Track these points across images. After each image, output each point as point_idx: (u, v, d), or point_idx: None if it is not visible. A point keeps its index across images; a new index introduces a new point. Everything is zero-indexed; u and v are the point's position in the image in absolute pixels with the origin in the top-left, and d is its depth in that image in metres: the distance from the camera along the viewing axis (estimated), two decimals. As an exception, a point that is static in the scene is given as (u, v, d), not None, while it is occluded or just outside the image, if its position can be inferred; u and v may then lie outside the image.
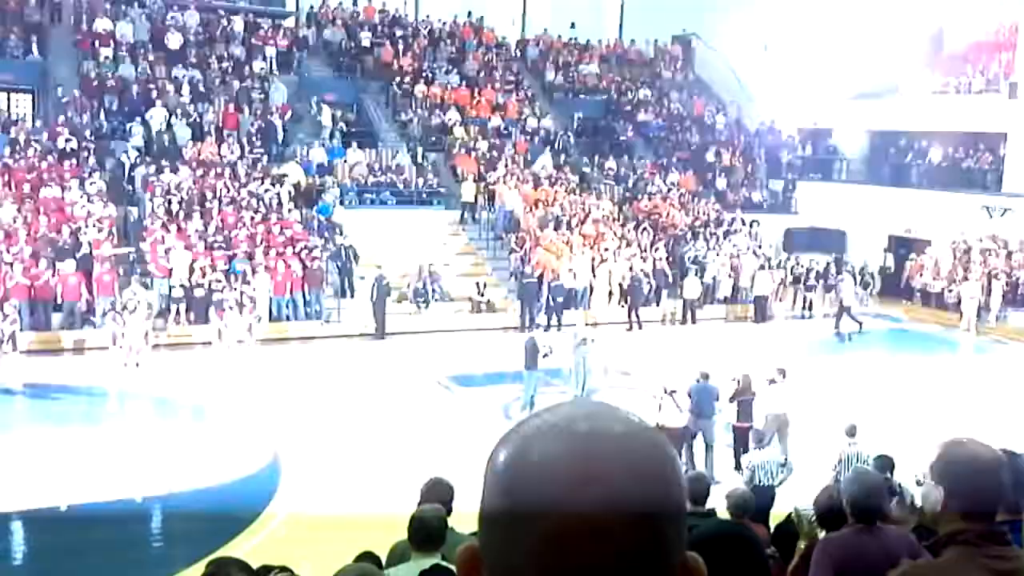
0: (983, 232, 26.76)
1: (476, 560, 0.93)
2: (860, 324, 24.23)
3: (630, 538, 0.85)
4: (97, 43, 27.69)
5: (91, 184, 23.13)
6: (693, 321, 24.41)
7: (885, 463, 8.87)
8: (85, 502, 11.73)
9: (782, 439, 13.40)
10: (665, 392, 13.21)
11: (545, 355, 15.97)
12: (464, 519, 5.28)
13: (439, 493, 5.85)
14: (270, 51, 30.08)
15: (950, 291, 25.89)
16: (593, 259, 24.77)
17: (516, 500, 0.88)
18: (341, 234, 23.78)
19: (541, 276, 23.60)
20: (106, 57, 27.50)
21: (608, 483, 0.86)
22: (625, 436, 0.90)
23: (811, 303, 26.92)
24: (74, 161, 23.84)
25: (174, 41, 28.76)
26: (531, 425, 0.93)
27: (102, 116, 26.18)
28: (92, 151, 24.52)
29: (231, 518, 11.29)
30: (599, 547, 0.84)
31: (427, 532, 4.83)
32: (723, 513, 7.73)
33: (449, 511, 5.81)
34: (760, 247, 27.73)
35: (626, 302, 24.14)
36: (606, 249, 25.29)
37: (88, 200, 22.39)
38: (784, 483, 10.71)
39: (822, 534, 6.34)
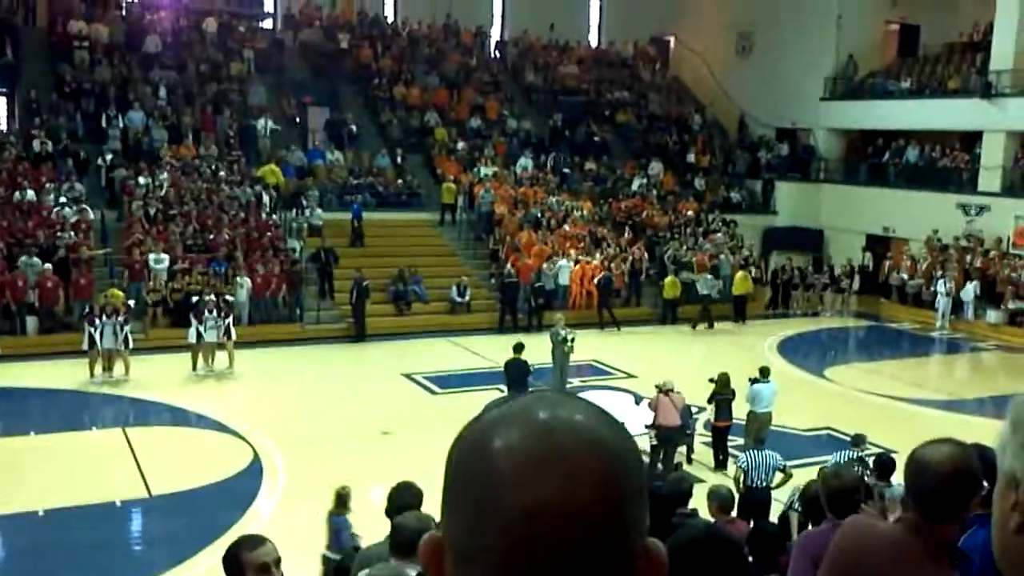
0: (959, 230, 27.00)
1: (439, 549, 0.93)
2: (693, 324, 24.39)
3: (592, 522, 0.86)
4: (73, 44, 27.51)
5: (68, 188, 22.98)
6: (674, 320, 24.49)
7: (887, 463, 8.92)
8: (63, 506, 11.66)
9: (762, 439, 13.48)
10: (660, 391, 13.23)
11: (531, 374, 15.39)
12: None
13: (406, 498, 5.84)
14: (248, 53, 29.98)
15: (928, 289, 26.11)
16: (574, 259, 24.80)
17: (476, 487, 0.89)
18: (321, 235, 23.76)
19: (515, 277, 23.60)
20: (82, 59, 27.33)
21: (569, 467, 0.86)
22: (585, 422, 0.91)
23: (790, 302, 27.19)
24: (50, 164, 23.69)
25: (151, 43, 28.61)
26: (491, 414, 0.94)
27: (78, 119, 26.00)
28: (69, 154, 24.36)
29: (212, 521, 11.24)
30: (561, 531, 0.85)
31: (407, 538, 4.84)
32: (706, 513, 7.78)
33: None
34: (739, 247, 27.86)
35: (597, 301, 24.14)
36: (584, 250, 25.37)
37: (65, 204, 22.24)
38: (781, 487, 10.71)
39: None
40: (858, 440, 11.23)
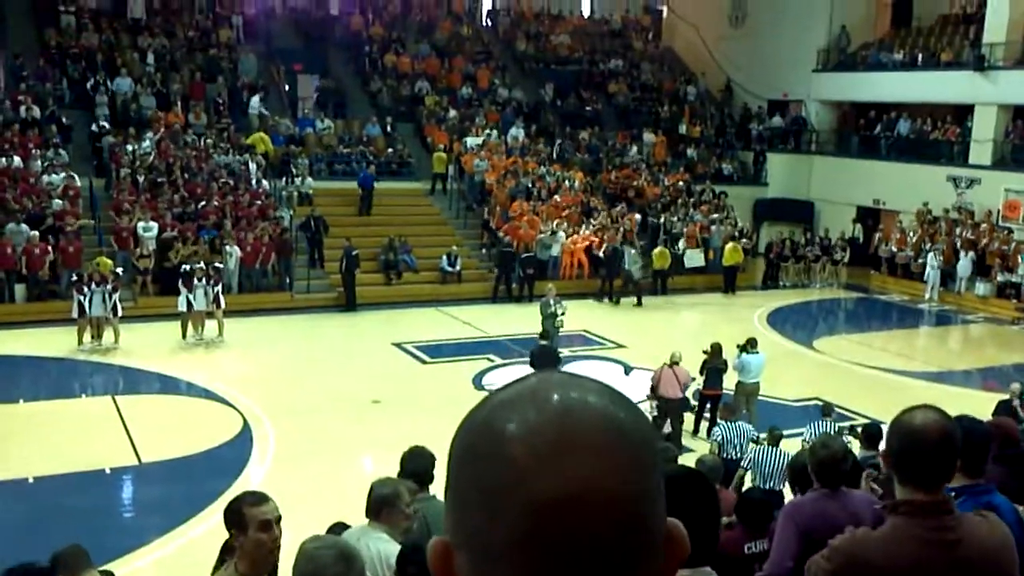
0: (950, 203, 27.03)
1: (447, 552, 0.86)
2: (616, 299, 23.54)
3: (611, 512, 0.81)
4: (59, 8, 27.21)
5: (56, 154, 22.79)
6: (664, 291, 24.49)
7: (874, 433, 8.99)
8: (53, 473, 11.66)
9: (750, 408, 13.57)
10: (666, 365, 13.27)
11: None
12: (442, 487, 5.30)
13: (419, 463, 5.86)
14: (237, 20, 29.69)
15: (917, 261, 26.17)
16: (565, 230, 24.76)
17: (489, 476, 0.82)
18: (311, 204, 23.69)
19: (513, 246, 23.56)
20: (68, 24, 27.02)
21: (589, 451, 0.81)
22: (599, 403, 0.85)
23: (779, 274, 27.21)
24: (37, 131, 23.48)
25: (137, 9, 28.31)
26: (498, 397, 0.88)
27: (65, 84, 25.75)
28: (56, 120, 24.14)
29: (202, 489, 11.25)
30: (579, 522, 0.80)
31: (372, 502, 4.87)
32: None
33: (431, 479, 5.83)
34: (728, 217, 27.83)
35: (598, 272, 24.13)
36: (576, 219, 25.32)
37: (53, 170, 22.06)
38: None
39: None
40: (827, 410, 11.40)
